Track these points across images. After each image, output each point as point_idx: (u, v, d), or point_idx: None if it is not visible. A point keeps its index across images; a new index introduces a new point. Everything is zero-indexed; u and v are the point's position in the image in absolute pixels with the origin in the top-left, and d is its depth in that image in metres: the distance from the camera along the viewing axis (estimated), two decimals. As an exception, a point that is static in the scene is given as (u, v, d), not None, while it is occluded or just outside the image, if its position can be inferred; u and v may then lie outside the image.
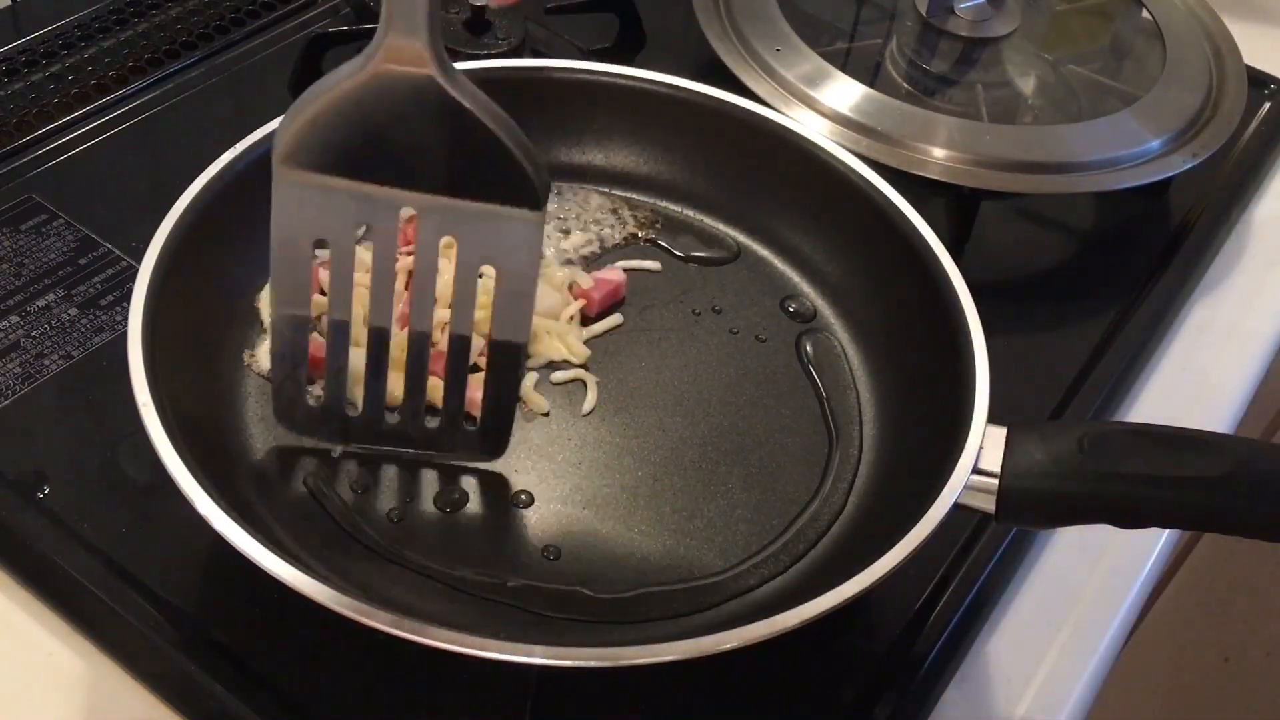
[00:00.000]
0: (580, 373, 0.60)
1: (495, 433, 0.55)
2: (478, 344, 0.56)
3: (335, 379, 0.53)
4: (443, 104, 0.46)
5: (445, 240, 0.50)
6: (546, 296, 0.61)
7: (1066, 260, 0.76)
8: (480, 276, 0.52)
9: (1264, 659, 1.40)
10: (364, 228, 0.54)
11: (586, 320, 0.62)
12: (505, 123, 0.48)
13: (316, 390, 0.56)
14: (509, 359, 0.53)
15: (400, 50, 0.45)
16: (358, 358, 0.53)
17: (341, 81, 0.47)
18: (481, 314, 0.55)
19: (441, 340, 0.54)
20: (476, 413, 0.55)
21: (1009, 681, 0.55)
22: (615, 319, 0.62)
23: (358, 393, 0.54)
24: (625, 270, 0.64)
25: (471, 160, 0.48)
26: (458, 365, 0.53)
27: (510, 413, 0.55)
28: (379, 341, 0.52)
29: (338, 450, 0.55)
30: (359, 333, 0.53)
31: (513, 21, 0.79)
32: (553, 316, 0.61)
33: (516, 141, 0.48)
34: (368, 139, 0.47)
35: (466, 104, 0.47)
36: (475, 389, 0.54)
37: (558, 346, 0.60)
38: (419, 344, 0.52)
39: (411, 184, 0.48)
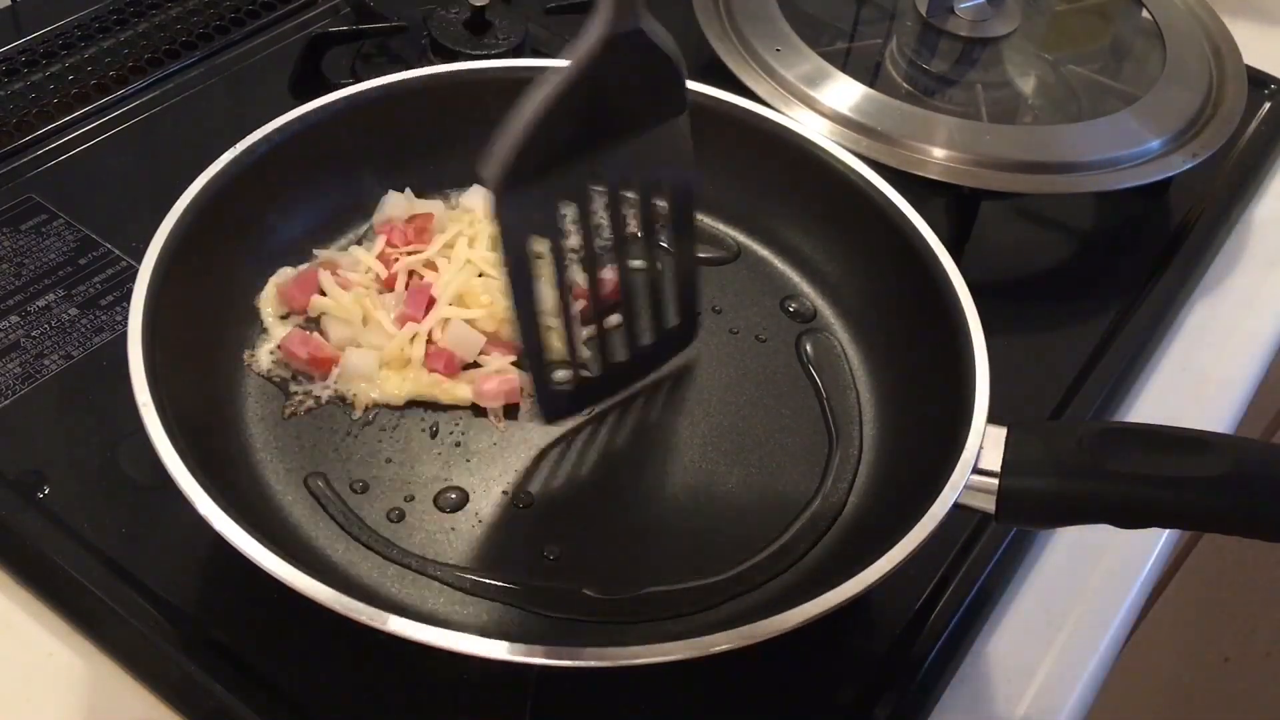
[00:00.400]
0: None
1: (689, 320, 0.59)
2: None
3: (573, 353, 0.56)
4: (646, 49, 0.50)
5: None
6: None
7: (1066, 260, 0.76)
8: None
9: (1264, 659, 1.40)
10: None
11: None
12: (669, 42, 0.51)
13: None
14: (686, 249, 0.57)
15: (620, 8, 0.48)
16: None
17: (547, 87, 0.48)
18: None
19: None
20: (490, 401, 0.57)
21: (1009, 681, 0.55)
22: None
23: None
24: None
25: (654, 92, 0.51)
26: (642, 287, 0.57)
27: (698, 298, 0.60)
28: (596, 305, 0.56)
29: (325, 394, 0.57)
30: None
31: (513, 21, 0.79)
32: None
33: (675, 52, 0.51)
34: (570, 122, 0.49)
35: (659, 44, 0.50)
36: (485, 380, 0.57)
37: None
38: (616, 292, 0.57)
39: (599, 140, 0.51)
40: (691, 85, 0.66)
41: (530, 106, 0.48)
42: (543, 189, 0.50)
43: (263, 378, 0.57)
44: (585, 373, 0.57)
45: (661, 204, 0.56)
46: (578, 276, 0.58)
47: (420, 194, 0.65)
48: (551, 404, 0.56)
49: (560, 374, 0.57)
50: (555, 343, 0.56)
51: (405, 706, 0.50)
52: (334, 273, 0.60)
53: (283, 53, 0.79)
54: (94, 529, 0.53)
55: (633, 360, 0.58)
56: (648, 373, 0.60)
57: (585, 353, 0.58)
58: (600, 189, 0.53)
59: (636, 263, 0.57)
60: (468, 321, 0.59)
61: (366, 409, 0.57)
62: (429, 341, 0.58)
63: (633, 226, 0.56)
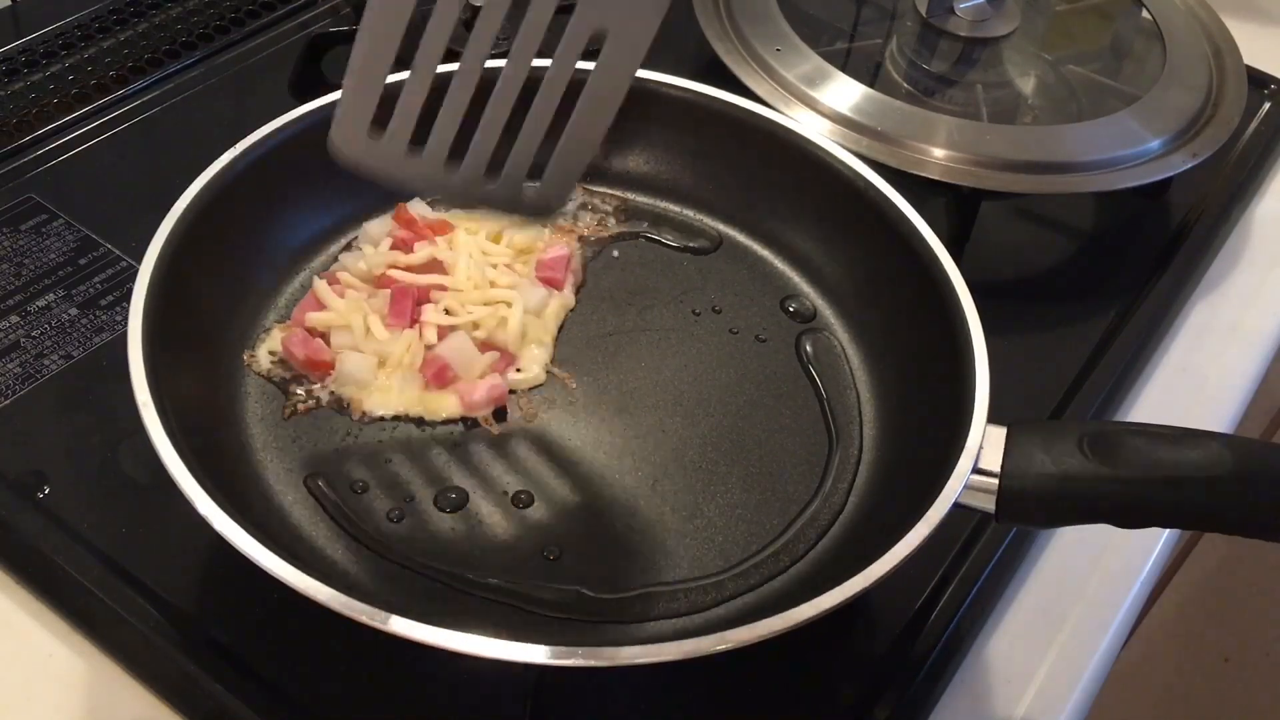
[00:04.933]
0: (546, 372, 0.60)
1: (553, 193, 0.51)
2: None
3: (404, 113, 0.49)
4: None
5: None
6: (532, 293, 0.61)
7: (1066, 260, 0.76)
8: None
9: (1264, 659, 1.40)
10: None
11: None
12: None
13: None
14: (593, 122, 0.50)
15: None
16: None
17: None
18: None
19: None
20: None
21: (1009, 681, 0.55)
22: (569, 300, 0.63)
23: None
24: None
25: None
26: (540, 115, 0.49)
27: (574, 178, 0.51)
28: (466, 82, 0.49)
29: (324, 394, 0.55)
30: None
31: (513, 21, 0.79)
32: (535, 313, 0.61)
33: None
34: None
35: None
36: (472, 391, 0.55)
37: (531, 351, 0.60)
38: (509, 93, 0.49)
39: None
40: (692, 85, 0.66)
41: None
42: None
43: (263, 378, 0.57)
44: (403, 142, 0.49)
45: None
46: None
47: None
48: (348, 134, 0.49)
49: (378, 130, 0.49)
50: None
51: (405, 706, 0.50)
52: (331, 281, 0.60)
53: (283, 53, 0.79)
54: (94, 529, 0.53)
55: (467, 166, 0.50)
56: (472, 199, 0.52)
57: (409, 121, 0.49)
58: None
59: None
60: (464, 326, 0.59)
61: (364, 413, 0.57)
62: (427, 347, 0.58)
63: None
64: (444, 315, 0.59)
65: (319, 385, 0.57)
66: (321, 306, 0.59)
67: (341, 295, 0.60)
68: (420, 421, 0.57)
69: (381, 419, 0.57)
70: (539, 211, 0.54)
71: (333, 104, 0.57)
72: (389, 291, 0.59)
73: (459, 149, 0.50)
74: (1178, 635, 1.36)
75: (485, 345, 0.59)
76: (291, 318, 0.59)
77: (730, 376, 0.61)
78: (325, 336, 0.59)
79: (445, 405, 0.57)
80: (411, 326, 0.58)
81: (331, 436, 0.56)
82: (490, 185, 0.50)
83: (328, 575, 0.44)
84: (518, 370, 0.59)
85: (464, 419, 0.57)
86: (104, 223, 0.67)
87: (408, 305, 0.59)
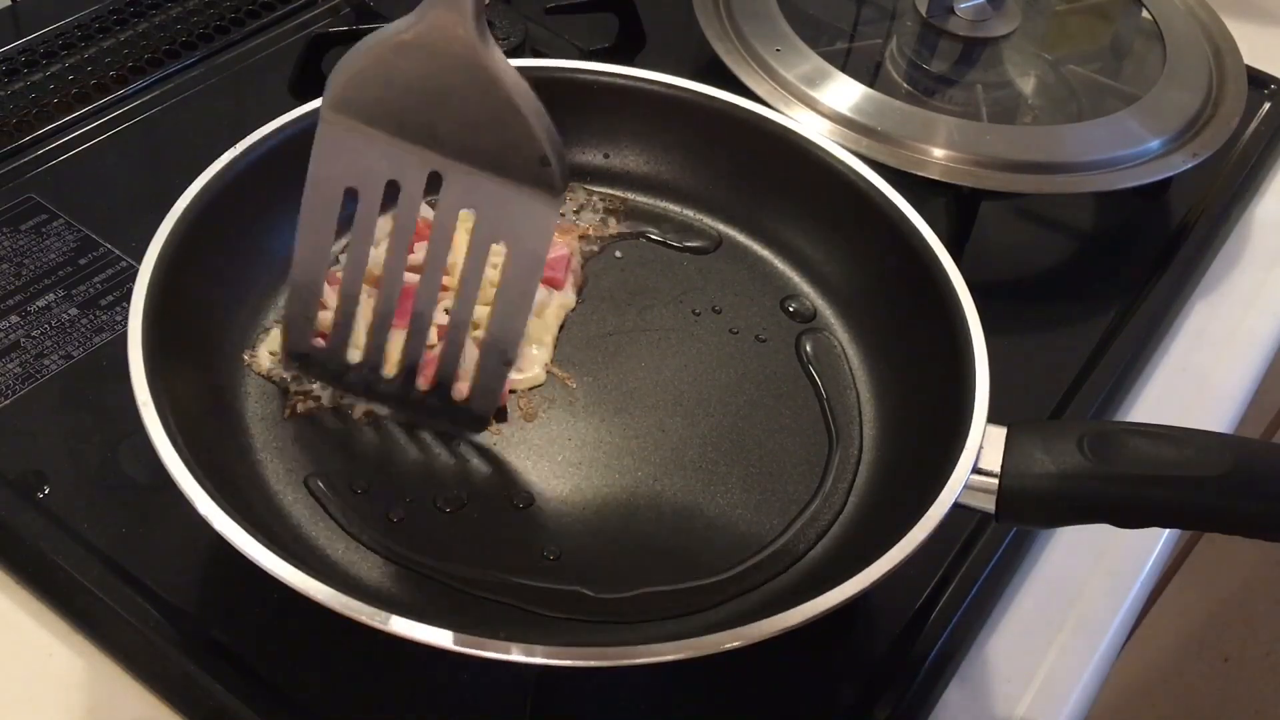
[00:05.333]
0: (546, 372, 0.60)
1: (480, 409, 0.56)
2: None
3: (344, 321, 0.55)
4: (478, 77, 0.48)
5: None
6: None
7: (1066, 260, 0.76)
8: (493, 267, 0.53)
9: (1264, 659, 1.40)
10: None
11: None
12: (534, 105, 0.49)
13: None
14: (504, 341, 0.54)
15: (443, 20, 0.47)
16: (365, 309, 0.55)
17: (390, 38, 0.48)
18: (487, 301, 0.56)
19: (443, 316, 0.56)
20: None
21: (1009, 681, 0.55)
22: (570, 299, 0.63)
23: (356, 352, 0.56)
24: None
25: (499, 136, 0.49)
26: (456, 336, 0.54)
27: (496, 394, 0.56)
28: (389, 296, 0.54)
29: (325, 394, 0.57)
30: (370, 288, 0.55)
31: (513, 21, 0.79)
32: (535, 313, 0.61)
33: (542, 125, 0.49)
34: (409, 98, 0.49)
35: (501, 80, 0.48)
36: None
37: (530, 351, 0.60)
38: (424, 306, 0.54)
39: (442, 149, 0.50)
40: (691, 85, 0.66)
41: (372, 42, 0.49)
42: (372, 141, 0.50)
43: (263, 378, 0.57)
44: (351, 358, 0.56)
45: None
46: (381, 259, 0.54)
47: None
48: (296, 346, 0.55)
49: (320, 341, 0.56)
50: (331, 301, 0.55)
51: (405, 706, 0.50)
52: (331, 281, 0.60)
53: (283, 53, 0.79)
54: (94, 529, 0.53)
55: (398, 391, 0.56)
56: (414, 414, 0.56)
57: (358, 334, 0.56)
58: (444, 209, 0.52)
59: (442, 312, 0.56)
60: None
61: (365, 413, 0.57)
62: (428, 347, 0.58)
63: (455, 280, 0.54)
64: (444, 315, 0.59)
65: (319, 385, 0.57)
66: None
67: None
68: (387, 404, 0.57)
69: (381, 419, 0.57)
70: (472, 426, 0.56)
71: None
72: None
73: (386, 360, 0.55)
74: (1178, 635, 1.36)
75: (485, 345, 0.59)
76: None
77: (730, 376, 0.61)
78: (325, 336, 0.59)
79: None
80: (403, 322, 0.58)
81: (331, 436, 0.56)
82: (420, 395, 0.56)
83: (328, 575, 0.44)
84: (518, 370, 0.59)
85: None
86: (104, 223, 0.67)
87: (409, 304, 0.59)
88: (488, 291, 0.61)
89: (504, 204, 0.51)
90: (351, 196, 0.52)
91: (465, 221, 0.55)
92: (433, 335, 0.56)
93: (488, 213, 0.51)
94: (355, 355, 0.56)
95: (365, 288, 0.56)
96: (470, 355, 0.56)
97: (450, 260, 0.54)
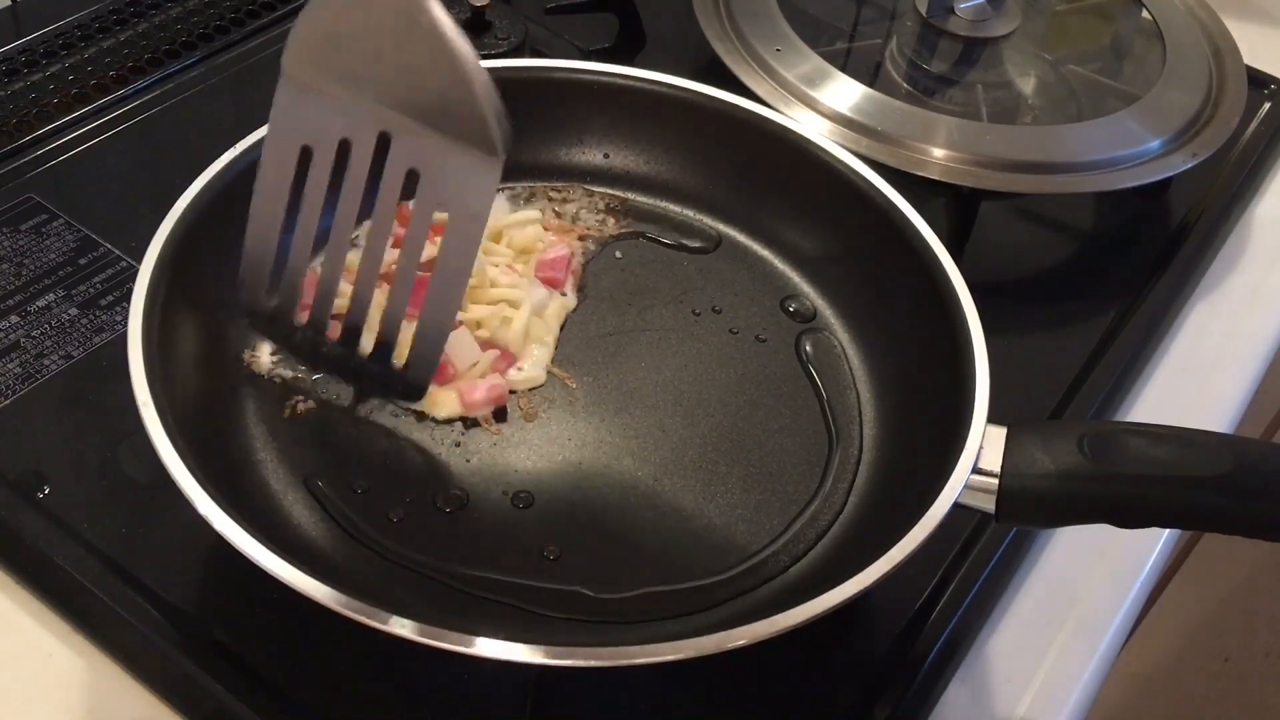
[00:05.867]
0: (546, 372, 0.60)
1: (416, 378, 0.55)
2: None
3: (290, 283, 0.54)
4: (420, 29, 0.48)
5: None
6: (534, 294, 0.61)
7: (1066, 260, 0.76)
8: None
9: (1264, 659, 1.40)
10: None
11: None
12: (474, 65, 0.49)
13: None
14: (442, 308, 0.54)
15: None
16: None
17: None
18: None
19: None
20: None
21: (1009, 681, 0.55)
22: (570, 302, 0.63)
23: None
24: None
25: (441, 92, 0.50)
26: (398, 299, 0.54)
27: (433, 361, 0.55)
28: (334, 260, 0.54)
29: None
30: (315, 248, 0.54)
31: (513, 21, 0.79)
32: (536, 313, 0.61)
33: (482, 85, 0.49)
34: (357, 52, 0.50)
35: (442, 35, 0.48)
36: (471, 391, 0.55)
37: (531, 352, 0.60)
38: (370, 268, 0.54)
39: (390, 104, 0.50)
40: (691, 85, 0.67)
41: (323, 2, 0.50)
42: (325, 95, 0.51)
43: (263, 378, 0.57)
44: (297, 320, 0.55)
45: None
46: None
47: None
48: (250, 302, 0.55)
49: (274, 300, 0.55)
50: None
51: (405, 706, 0.50)
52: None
53: (282, 53, 0.79)
54: (94, 529, 0.53)
55: (341, 355, 0.55)
56: (357, 380, 0.57)
57: (303, 295, 0.55)
58: (392, 166, 0.52)
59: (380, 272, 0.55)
60: (467, 324, 0.59)
61: (366, 413, 0.57)
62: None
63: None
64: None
65: (319, 385, 0.57)
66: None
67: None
68: (420, 421, 0.57)
69: (381, 419, 0.57)
70: (408, 395, 0.56)
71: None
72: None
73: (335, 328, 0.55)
74: (1178, 635, 1.36)
75: (486, 344, 0.59)
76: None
77: (730, 376, 0.61)
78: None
79: (445, 403, 0.57)
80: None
81: (331, 436, 0.56)
82: (360, 362, 0.55)
83: (328, 575, 0.44)
84: (518, 370, 0.59)
85: (464, 419, 0.57)
86: (104, 223, 0.67)
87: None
88: (491, 291, 0.61)
89: (445, 162, 0.51)
90: (307, 159, 0.52)
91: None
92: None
93: (430, 171, 0.51)
94: (303, 318, 0.55)
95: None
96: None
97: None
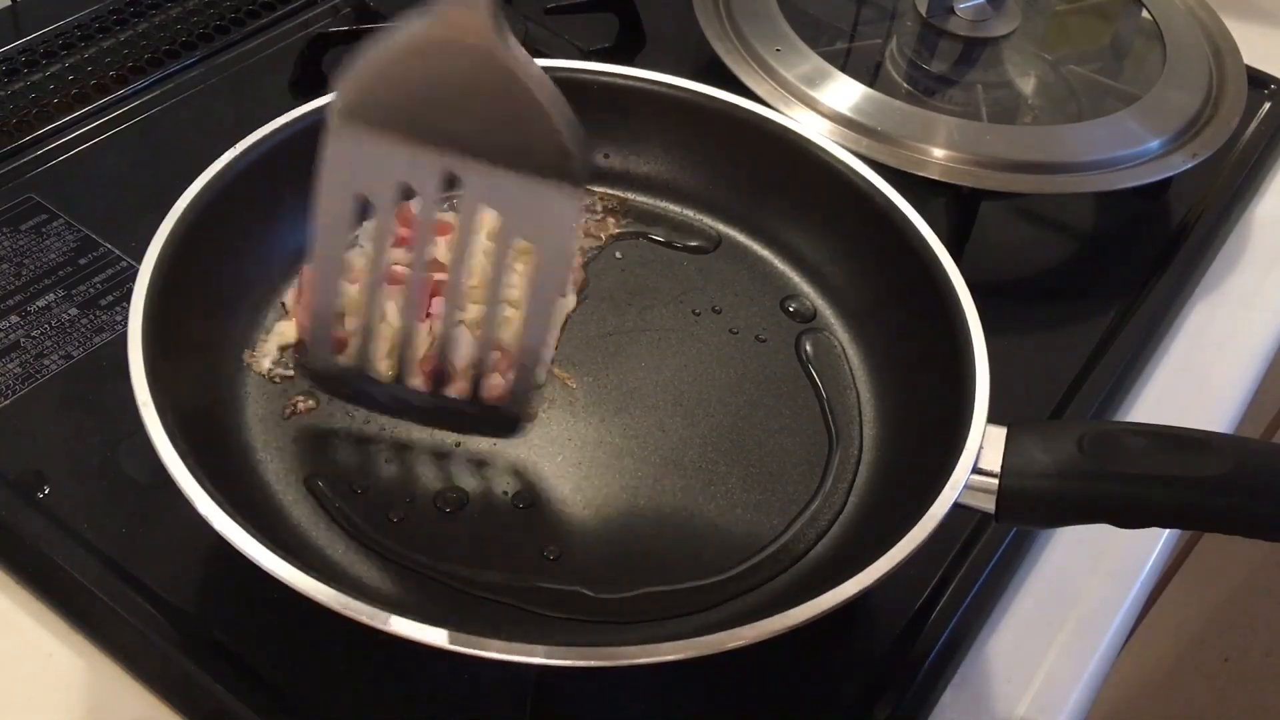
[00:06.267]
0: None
1: (516, 411, 0.55)
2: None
3: (365, 339, 0.53)
4: (497, 73, 0.47)
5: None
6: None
7: (1066, 260, 0.76)
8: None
9: (1264, 659, 1.40)
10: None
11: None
12: (554, 96, 0.48)
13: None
14: (537, 339, 0.53)
15: (461, 18, 0.46)
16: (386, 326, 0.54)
17: (404, 39, 0.47)
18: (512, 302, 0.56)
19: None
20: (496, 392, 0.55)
21: (1009, 681, 0.55)
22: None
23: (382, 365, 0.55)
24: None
25: (518, 130, 0.48)
26: (485, 338, 0.54)
27: (530, 393, 0.55)
28: (411, 304, 0.53)
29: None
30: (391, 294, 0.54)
31: (513, 21, 0.79)
32: None
33: (563, 116, 0.48)
34: (424, 99, 0.48)
35: (520, 74, 0.47)
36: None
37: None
38: (450, 313, 0.53)
39: (458, 149, 0.49)
40: (691, 85, 0.66)
41: (385, 45, 0.48)
42: (385, 147, 0.49)
43: (263, 378, 0.57)
44: (373, 374, 0.55)
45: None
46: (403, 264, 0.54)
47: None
48: (318, 363, 0.54)
49: (344, 359, 0.54)
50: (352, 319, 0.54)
51: (405, 706, 0.50)
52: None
53: (283, 53, 0.79)
54: (94, 529, 0.53)
55: (425, 403, 0.55)
56: (448, 425, 0.56)
57: (381, 351, 0.55)
58: (465, 211, 0.51)
59: (469, 312, 0.55)
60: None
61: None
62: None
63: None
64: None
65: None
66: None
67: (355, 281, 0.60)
68: (420, 421, 0.57)
69: (381, 419, 0.57)
70: (507, 431, 0.56)
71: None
72: (393, 287, 0.59)
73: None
74: (1178, 635, 1.36)
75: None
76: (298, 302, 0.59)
77: (730, 376, 0.61)
78: (340, 318, 0.58)
79: None
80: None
81: (331, 437, 0.56)
82: (453, 405, 0.54)
83: (328, 575, 0.44)
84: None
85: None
86: (104, 223, 0.67)
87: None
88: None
89: (526, 199, 0.49)
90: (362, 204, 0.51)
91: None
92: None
93: (509, 210, 0.50)
94: (383, 369, 0.55)
95: (389, 294, 0.55)
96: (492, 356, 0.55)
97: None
